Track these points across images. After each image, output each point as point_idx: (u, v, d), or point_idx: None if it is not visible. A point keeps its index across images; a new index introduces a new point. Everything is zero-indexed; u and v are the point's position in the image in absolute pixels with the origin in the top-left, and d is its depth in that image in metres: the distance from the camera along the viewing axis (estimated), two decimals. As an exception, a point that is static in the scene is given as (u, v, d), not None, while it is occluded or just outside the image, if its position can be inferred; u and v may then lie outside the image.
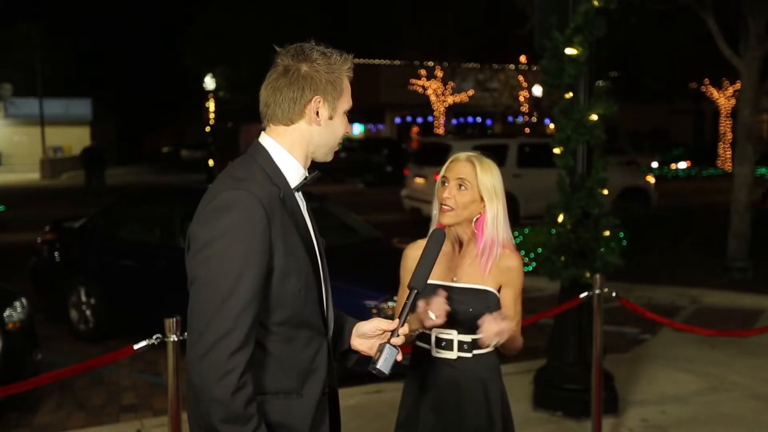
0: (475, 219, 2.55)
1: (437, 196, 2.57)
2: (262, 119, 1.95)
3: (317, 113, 1.90)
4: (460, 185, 2.52)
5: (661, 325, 6.99)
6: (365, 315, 5.34)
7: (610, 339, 6.42)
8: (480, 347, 2.53)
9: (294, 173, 1.92)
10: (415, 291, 2.06)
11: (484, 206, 2.53)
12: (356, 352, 2.12)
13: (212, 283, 1.73)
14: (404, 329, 1.99)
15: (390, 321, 2.04)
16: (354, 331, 2.11)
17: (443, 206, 2.53)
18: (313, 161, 1.99)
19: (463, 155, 2.57)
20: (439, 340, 2.56)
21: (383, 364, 1.94)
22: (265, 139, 1.94)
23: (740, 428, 4.89)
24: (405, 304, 2.05)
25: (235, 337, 1.71)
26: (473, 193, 2.51)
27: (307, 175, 1.96)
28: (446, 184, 2.55)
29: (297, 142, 1.92)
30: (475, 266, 2.55)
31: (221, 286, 1.72)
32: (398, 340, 1.98)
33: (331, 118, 1.93)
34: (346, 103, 1.96)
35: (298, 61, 1.89)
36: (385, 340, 1.98)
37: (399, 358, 1.97)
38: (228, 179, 1.86)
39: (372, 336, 2.06)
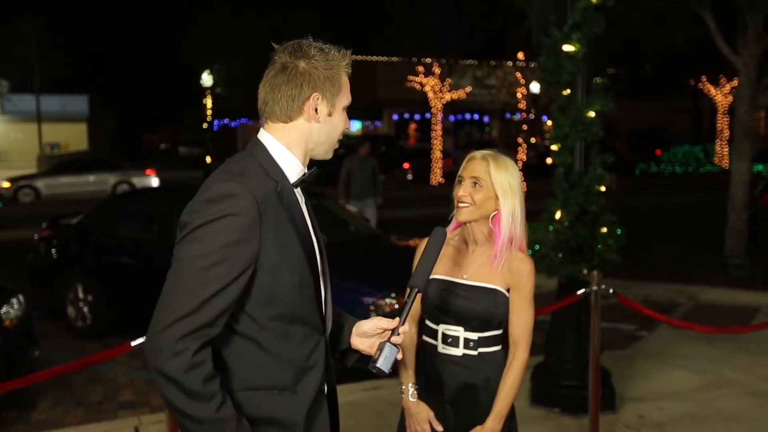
0: (492, 216, 2.56)
1: (454, 194, 2.59)
2: (261, 117, 1.94)
3: (316, 110, 1.89)
4: (475, 183, 2.53)
5: (659, 322, 7.00)
6: (363, 312, 5.35)
7: (607, 336, 6.43)
8: (486, 346, 2.55)
9: (292, 169, 1.91)
10: (416, 290, 2.06)
11: (500, 203, 2.54)
12: (356, 351, 2.12)
13: (186, 266, 1.72)
14: (405, 327, 1.98)
15: (390, 319, 2.03)
16: (354, 329, 2.10)
17: (459, 203, 2.55)
18: (312, 158, 1.99)
19: (478, 154, 2.59)
20: (445, 337, 2.58)
21: (383, 363, 1.94)
22: (264, 136, 1.93)
23: (737, 425, 4.90)
24: (405, 302, 2.04)
25: (192, 322, 1.68)
26: (488, 191, 2.53)
27: (306, 171, 1.95)
28: (462, 182, 2.57)
29: (296, 139, 1.91)
30: (487, 265, 2.56)
31: (194, 269, 1.71)
32: (399, 339, 1.97)
33: (330, 114, 1.92)
34: (345, 99, 1.95)
35: (295, 58, 1.88)
36: (386, 339, 1.98)
37: (400, 356, 1.97)
38: (223, 173, 1.85)
39: (372, 335, 2.05)
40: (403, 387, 2.63)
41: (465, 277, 2.57)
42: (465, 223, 2.58)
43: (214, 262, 1.71)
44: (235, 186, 1.77)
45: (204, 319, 1.70)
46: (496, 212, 2.55)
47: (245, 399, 1.83)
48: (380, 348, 1.95)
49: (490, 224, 2.57)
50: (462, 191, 2.54)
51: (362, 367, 2.11)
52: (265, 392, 1.84)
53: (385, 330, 2.03)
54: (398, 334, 1.97)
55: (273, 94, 1.89)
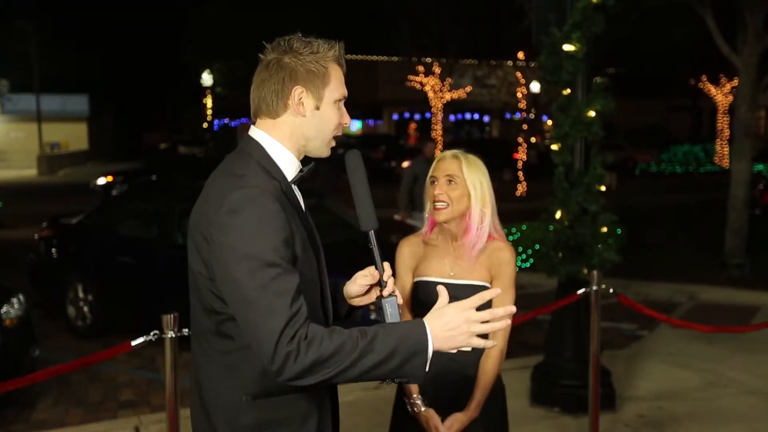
0: (468, 213, 2.61)
1: (428, 195, 2.62)
2: (252, 116, 1.92)
3: (302, 104, 1.85)
4: (450, 180, 2.58)
5: (659, 322, 7.00)
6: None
7: (607, 335, 6.43)
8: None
9: (289, 166, 1.88)
10: (372, 231, 1.97)
11: (471, 199, 2.59)
12: (358, 306, 2.09)
13: (252, 291, 1.67)
14: (387, 273, 1.93)
15: (369, 273, 1.99)
16: (346, 295, 2.08)
17: (437, 203, 2.58)
18: (306, 156, 1.95)
19: (449, 153, 2.65)
20: None
21: (392, 319, 1.88)
22: (256, 132, 1.90)
23: (737, 424, 4.90)
24: (370, 249, 1.95)
25: (288, 328, 1.64)
26: (462, 188, 2.58)
27: (302, 167, 1.92)
28: (436, 182, 2.60)
29: (286, 134, 1.88)
30: (469, 261, 2.60)
31: (261, 289, 1.66)
32: (388, 288, 1.91)
33: (317, 108, 1.86)
34: (336, 92, 1.88)
35: (280, 53, 1.85)
36: (379, 296, 1.92)
37: (400, 302, 1.91)
38: (228, 177, 1.81)
39: (361, 294, 2.04)
40: (412, 399, 2.59)
41: (451, 275, 2.60)
42: (444, 223, 2.60)
43: (274, 276, 1.67)
44: (253, 191, 1.73)
45: (289, 317, 1.66)
46: (469, 209, 2.60)
47: (254, 406, 1.81)
48: (379, 307, 1.89)
49: (467, 220, 2.60)
50: (438, 190, 2.57)
51: None
52: (272, 398, 1.82)
53: (371, 286, 2.01)
54: (385, 284, 1.91)
55: (259, 91, 1.87)
